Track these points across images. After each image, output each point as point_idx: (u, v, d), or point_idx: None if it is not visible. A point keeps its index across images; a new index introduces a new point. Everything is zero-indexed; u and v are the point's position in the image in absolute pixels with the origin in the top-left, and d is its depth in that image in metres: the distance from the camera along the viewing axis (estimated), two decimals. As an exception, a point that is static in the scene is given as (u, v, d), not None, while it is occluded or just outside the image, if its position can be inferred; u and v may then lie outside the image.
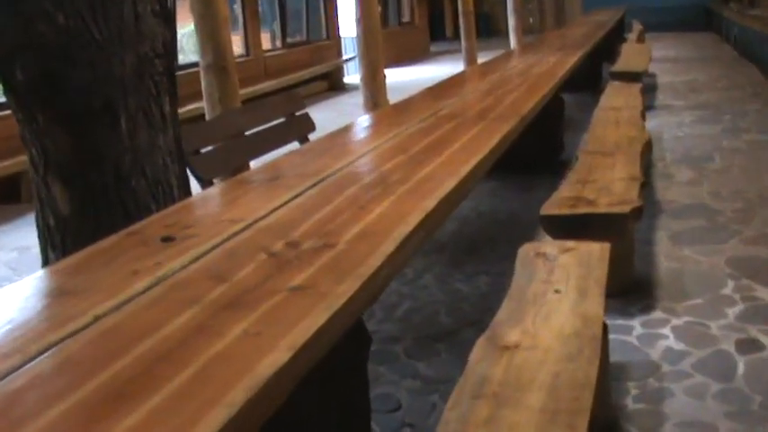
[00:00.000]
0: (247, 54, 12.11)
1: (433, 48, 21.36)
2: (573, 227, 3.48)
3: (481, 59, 10.26)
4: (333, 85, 13.84)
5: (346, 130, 4.20)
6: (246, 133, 4.86)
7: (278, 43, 13.74)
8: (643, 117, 5.97)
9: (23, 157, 3.51)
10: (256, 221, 2.46)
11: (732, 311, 3.57)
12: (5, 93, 3.37)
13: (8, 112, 3.73)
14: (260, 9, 13.86)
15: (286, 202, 2.67)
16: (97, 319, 1.79)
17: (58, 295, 2.01)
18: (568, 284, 2.63)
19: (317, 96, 12.97)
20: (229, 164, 4.50)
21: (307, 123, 5.23)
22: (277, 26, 13.68)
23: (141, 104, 3.49)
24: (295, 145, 4.59)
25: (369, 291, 1.93)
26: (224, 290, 1.90)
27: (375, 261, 2.02)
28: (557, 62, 7.55)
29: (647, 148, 5.11)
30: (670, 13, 21.86)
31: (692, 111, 8.95)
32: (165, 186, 3.59)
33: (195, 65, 5.69)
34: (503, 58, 9.06)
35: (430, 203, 2.52)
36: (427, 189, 2.71)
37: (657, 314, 3.60)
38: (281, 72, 12.24)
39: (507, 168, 6.07)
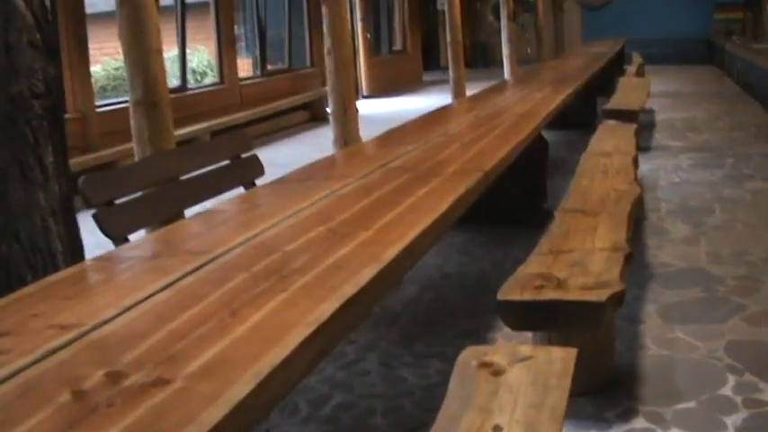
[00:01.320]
0: (221, 82, 11.46)
1: (427, 77, 20.69)
2: (537, 316, 2.82)
3: (472, 90, 9.65)
4: (315, 115, 13.10)
5: (273, 185, 3.57)
6: (182, 178, 4.23)
7: (257, 71, 13.08)
8: (635, 165, 5.32)
9: None
10: (93, 329, 1.82)
11: (732, 421, 2.89)
12: None
13: None
14: (243, 35, 13.27)
15: (148, 297, 2.02)
16: None
17: None
18: (513, 417, 1.96)
19: (298, 128, 12.31)
20: (154, 216, 3.86)
21: (254, 167, 4.60)
22: (256, 52, 13.02)
23: (15, 155, 2.89)
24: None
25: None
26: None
27: (211, 416, 1.37)
28: (543, 98, 6.92)
29: (638, 203, 4.46)
30: (671, 45, 21.19)
31: (690, 153, 8.30)
32: (45, 254, 2.99)
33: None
34: (489, 92, 8.44)
35: (327, 309, 1.86)
36: (335, 282, 2.06)
37: (640, 422, 2.91)
38: (258, 102, 11.57)
39: (482, 218, 5.46)
